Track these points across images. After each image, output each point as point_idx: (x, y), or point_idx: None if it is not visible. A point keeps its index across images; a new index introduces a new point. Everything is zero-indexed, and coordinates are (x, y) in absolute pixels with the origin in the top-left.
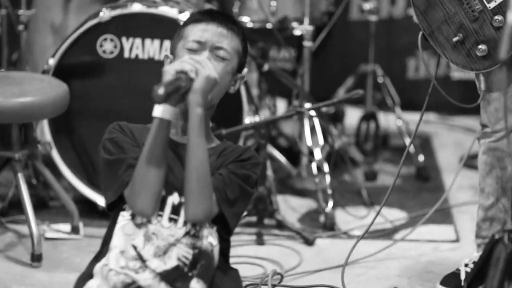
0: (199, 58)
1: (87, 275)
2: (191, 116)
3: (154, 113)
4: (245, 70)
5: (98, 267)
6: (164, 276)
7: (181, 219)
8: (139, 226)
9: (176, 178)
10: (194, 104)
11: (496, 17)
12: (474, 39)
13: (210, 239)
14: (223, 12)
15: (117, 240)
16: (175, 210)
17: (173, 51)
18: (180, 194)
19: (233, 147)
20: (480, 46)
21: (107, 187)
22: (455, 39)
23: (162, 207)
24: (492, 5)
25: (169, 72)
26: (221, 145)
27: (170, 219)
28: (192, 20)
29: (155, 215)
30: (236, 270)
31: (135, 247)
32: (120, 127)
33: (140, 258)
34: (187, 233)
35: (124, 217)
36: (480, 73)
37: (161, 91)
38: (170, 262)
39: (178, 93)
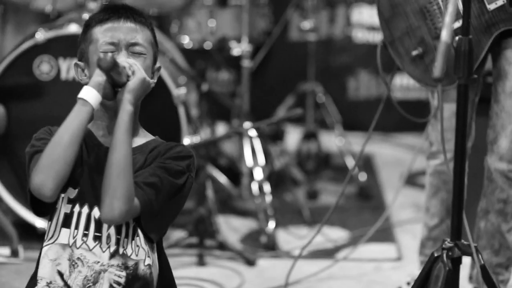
0: (132, 61)
1: None
2: (121, 113)
3: (80, 94)
4: (158, 63)
5: None
6: None
7: (104, 235)
8: (63, 247)
9: (99, 189)
10: (126, 101)
11: (457, 38)
12: (433, 56)
13: (147, 260)
14: (124, 4)
15: (43, 269)
16: (98, 226)
17: (82, 57)
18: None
19: (162, 146)
20: None
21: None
22: (414, 52)
23: (87, 225)
24: (456, 25)
25: (100, 72)
26: (152, 142)
27: (95, 238)
28: (97, 21)
29: (52, 199)
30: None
31: (61, 274)
32: (50, 130)
33: (66, 285)
34: (113, 255)
35: (46, 241)
36: (435, 89)
37: (110, 57)
38: (102, 283)
39: (117, 76)
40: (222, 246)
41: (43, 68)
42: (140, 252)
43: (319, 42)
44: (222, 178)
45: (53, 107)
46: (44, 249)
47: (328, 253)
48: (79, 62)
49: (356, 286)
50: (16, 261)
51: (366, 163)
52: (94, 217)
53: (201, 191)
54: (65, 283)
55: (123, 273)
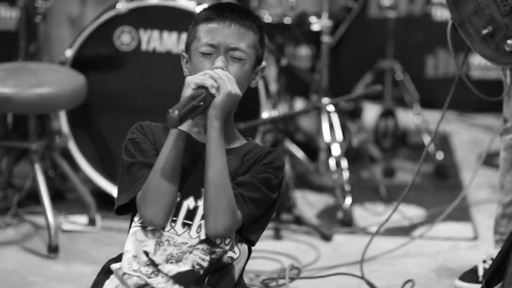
0: (222, 73)
1: (106, 271)
2: (210, 130)
3: None
4: (264, 62)
5: (114, 267)
6: (178, 279)
7: (195, 224)
8: (151, 232)
9: (194, 181)
10: (213, 117)
11: None
12: (503, 33)
13: (230, 253)
14: (235, 5)
15: (130, 244)
16: (190, 215)
17: (187, 50)
18: (196, 198)
19: (257, 149)
20: (509, 41)
21: (122, 189)
22: (484, 31)
23: (176, 212)
24: None
25: (189, 84)
26: (246, 145)
27: (184, 225)
28: (203, 18)
29: (166, 224)
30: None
31: (146, 253)
32: (142, 127)
33: (153, 263)
34: (201, 241)
35: (135, 223)
36: (507, 67)
37: (175, 115)
38: (185, 266)
39: (194, 113)
40: (299, 221)
41: (124, 39)
42: (228, 243)
43: (398, 19)
44: (299, 153)
45: (133, 78)
46: (133, 229)
47: (404, 231)
48: (184, 54)
49: (432, 264)
50: (93, 230)
51: (443, 142)
52: (188, 206)
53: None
54: (150, 259)
55: (207, 257)
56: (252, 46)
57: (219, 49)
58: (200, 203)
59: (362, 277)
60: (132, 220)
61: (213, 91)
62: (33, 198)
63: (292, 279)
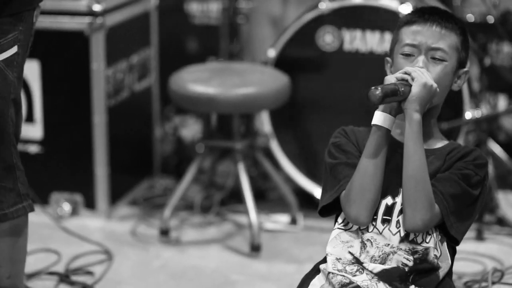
0: (418, 68)
1: (315, 271)
2: (408, 123)
3: (373, 121)
4: (468, 65)
5: (322, 267)
6: (382, 275)
7: (394, 219)
8: (356, 233)
9: (392, 180)
10: (411, 110)
11: None
12: None
13: (433, 251)
14: (437, 8)
15: (332, 248)
16: (388, 211)
17: (391, 54)
18: (394, 196)
19: (459, 149)
20: None
21: (325, 190)
22: None
23: (376, 211)
24: None
25: (389, 80)
26: (448, 146)
27: (384, 221)
28: (405, 22)
29: (369, 223)
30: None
31: (352, 254)
32: (345, 132)
33: (357, 261)
34: (403, 239)
35: (338, 224)
36: None
37: (378, 91)
38: (389, 264)
39: (395, 97)
40: (501, 222)
41: (327, 38)
42: (430, 240)
43: None
44: (502, 154)
45: (335, 78)
46: (336, 231)
47: None
48: (388, 59)
49: None
50: (295, 229)
51: None
52: (387, 204)
53: None
54: (355, 258)
55: (411, 257)
56: (454, 47)
57: (420, 49)
58: (398, 199)
59: None
60: (336, 222)
61: (411, 82)
62: (235, 197)
63: (494, 282)
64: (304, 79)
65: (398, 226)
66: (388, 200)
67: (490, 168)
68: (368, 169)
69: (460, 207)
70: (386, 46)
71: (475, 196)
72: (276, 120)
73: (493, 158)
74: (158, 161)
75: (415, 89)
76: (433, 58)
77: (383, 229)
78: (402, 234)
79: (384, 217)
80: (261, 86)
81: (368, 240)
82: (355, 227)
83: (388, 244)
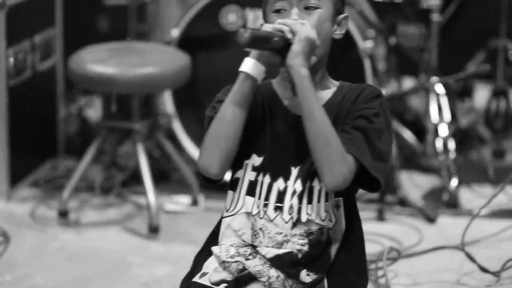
0: (300, 21)
1: (207, 252)
2: (297, 80)
3: (241, 67)
4: (345, 14)
5: (215, 250)
6: (275, 261)
7: (286, 205)
8: (247, 216)
9: (284, 159)
10: (297, 66)
11: None
12: None
13: (329, 223)
14: None
15: (226, 238)
16: (281, 196)
17: (264, 17)
18: (286, 180)
19: (350, 92)
20: None
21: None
22: None
23: (267, 195)
24: None
25: (266, 28)
26: (339, 92)
27: (276, 208)
28: None
29: (220, 177)
30: (361, 244)
31: (244, 241)
32: (231, 87)
33: (251, 245)
34: (295, 224)
35: (226, 212)
36: None
37: (247, 33)
38: (284, 249)
39: (267, 44)
40: (403, 202)
41: (230, 18)
42: (324, 216)
43: None
44: (407, 134)
45: (239, 57)
46: (226, 220)
47: (511, 213)
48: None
49: None
50: (196, 210)
51: None
52: (278, 188)
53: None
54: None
55: (306, 240)
56: None
57: (291, 2)
58: (289, 182)
59: (462, 249)
60: (224, 213)
61: (289, 35)
62: (137, 178)
63: (391, 259)
64: (208, 59)
65: (290, 212)
66: (280, 184)
67: (394, 148)
68: (227, 116)
69: (371, 146)
70: None
71: (379, 129)
72: (179, 100)
73: (398, 138)
74: (62, 142)
75: (297, 44)
76: (307, 8)
77: (275, 216)
78: (295, 218)
79: (277, 204)
80: (161, 66)
81: (260, 229)
82: (243, 210)
83: (281, 233)
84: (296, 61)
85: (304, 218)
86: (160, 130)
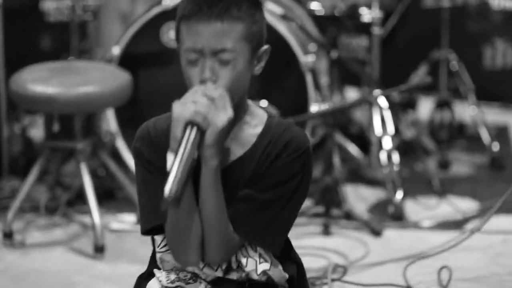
0: (214, 93)
1: (149, 273)
2: (204, 169)
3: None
4: (265, 46)
5: (157, 274)
6: (217, 284)
7: None
8: None
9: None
10: (207, 158)
11: None
12: None
13: (261, 267)
14: None
15: (165, 264)
16: None
17: (177, 48)
18: None
19: (276, 136)
20: None
21: (142, 209)
22: None
23: None
24: None
25: (178, 120)
26: (264, 135)
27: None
28: (182, 15)
29: (199, 261)
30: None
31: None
32: (148, 131)
33: (191, 272)
34: (226, 271)
35: (158, 248)
36: None
37: (171, 196)
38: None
39: (191, 171)
40: (348, 216)
41: (171, 35)
42: (250, 262)
43: (454, 9)
44: (351, 147)
45: (180, 74)
46: (158, 255)
47: (456, 225)
48: (176, 43)
49: (483, 258)
50: None
51: (501, 134)
52: None
53: (327, 160)
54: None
55: (242, 278)
56: (243, 38)
57: (205, 53)
58: None
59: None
60: (153, 243)
61: (204, 125)
62: (83, 197)
63: (333, 280)
64: (150, 76)
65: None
66: None
67: (337, 162)
68: (180, 223)
69: (269, 217)
70: None
71: (288, 196)
72: (122, 118)
73: (342, 151)
74: (6, 162)
75: (211, 135)
76: (221, 61)
77: (203, 266)
78: (224, 267)
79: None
80: (101, 85)
81: (193, 273)
82: None
83: (216, 276)
84: (208, 153)
85: (234, 265)
86: (103, 149)
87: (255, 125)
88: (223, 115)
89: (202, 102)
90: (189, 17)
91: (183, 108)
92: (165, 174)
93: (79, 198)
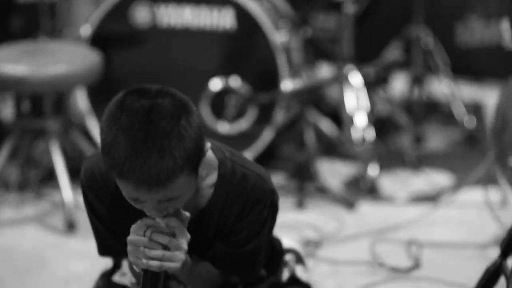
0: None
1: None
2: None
3: None
4: (206, 148)
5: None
6: None
7: None
8: None
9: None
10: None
11: None
12: None
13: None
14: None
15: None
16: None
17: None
18: None
19: (232, 193)
20: None
21: (95, 236)
22: None
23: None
24: None
25: (135, 264)
26: (217, 195)
27: None
28: (117, 172)
29: None
30: None
31: None
32: (91, 172)
33: None
34: None
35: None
36: None
37: None
38: None
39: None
40: (322, 190)
41: (140, 14)
42: None
43: None
44: (325, 122)
45: (149, 54)
46: (116, 277)
47: (430, 198)
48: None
49: (458, 231)
50: None
51: (476, 110)
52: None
53: (299, 138)
54: None
55: None
56: (185, 183)
57: (148, 204)
58: None
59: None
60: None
61: (165, 266)
62: (54, 176)
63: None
64: (120, 55)
65: None
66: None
67: (312, 137)
68: None
69: (251, 259)
70: (200, 20)
71: (256, 234)
72: (94, 97)
73: (316, 129)
74: None
75: (171, 271)
76: (169, 200)
77: None
78: None
79: None
80: (71, 64)
81: None
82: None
83: None
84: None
85: None
86: (74, 128)
87: (206, 174)
88: (178, 256)
89: (156, 254)
90: (123, 176)
91: (135, 256)
92: (110, 223)
93: (51, 177)
